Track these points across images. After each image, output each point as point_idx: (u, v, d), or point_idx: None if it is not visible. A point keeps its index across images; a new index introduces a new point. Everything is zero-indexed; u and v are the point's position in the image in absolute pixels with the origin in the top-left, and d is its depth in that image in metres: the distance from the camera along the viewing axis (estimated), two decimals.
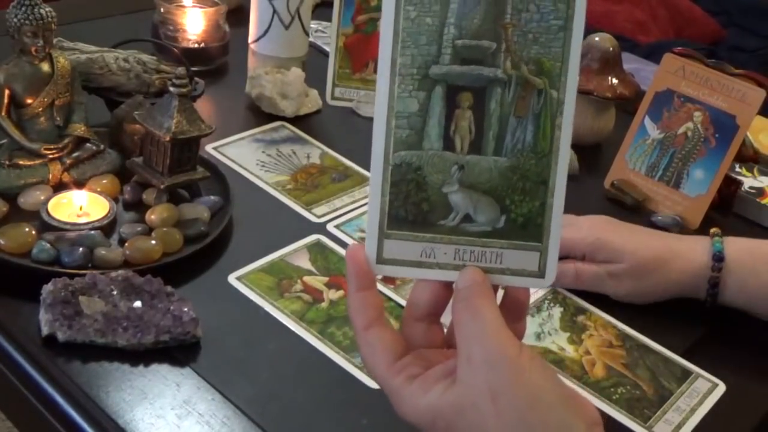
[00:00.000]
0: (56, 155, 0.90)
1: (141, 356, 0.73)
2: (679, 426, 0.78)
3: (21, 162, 0.89)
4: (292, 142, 1.10)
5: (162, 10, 1.23)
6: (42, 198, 0.87)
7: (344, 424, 0.72)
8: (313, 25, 1.35)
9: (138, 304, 0.76)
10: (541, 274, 0.53)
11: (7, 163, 0.89)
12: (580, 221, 0.92)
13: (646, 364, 0.84)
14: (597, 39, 1.17)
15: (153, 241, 0.83)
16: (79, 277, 0.77)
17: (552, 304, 0.89)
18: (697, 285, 0.88)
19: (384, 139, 0.52)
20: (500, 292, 0.55)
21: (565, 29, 0.51)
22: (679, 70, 1.08)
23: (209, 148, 1.04)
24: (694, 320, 0.90)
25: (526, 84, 0.52)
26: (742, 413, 0.81)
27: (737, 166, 1.17)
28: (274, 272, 0.86)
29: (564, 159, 0.52)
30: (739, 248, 0.88)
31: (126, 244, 0.82)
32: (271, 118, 1.13)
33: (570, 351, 0.84)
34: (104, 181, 0.91)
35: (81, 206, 0.86)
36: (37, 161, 0.89)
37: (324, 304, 0.84)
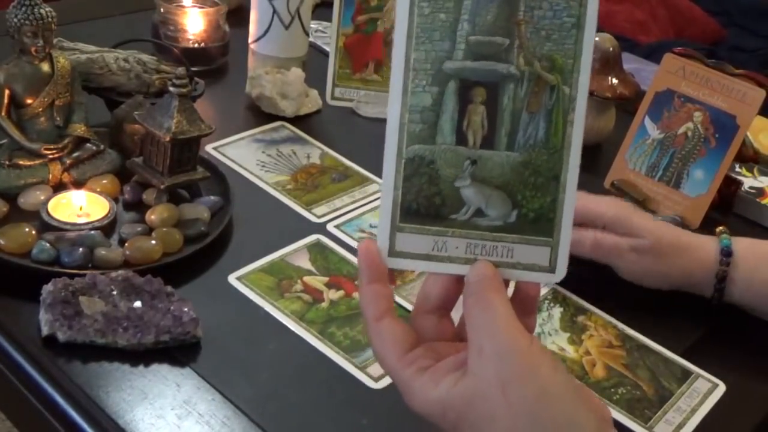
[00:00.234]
0: (56, 155, 0.90)
1: (141, 356, 0.73)
2: (680, 426, 0.78)
3: (21, 162, 0.89)
4: (292, 142, 1.10)
5: (162, 10, 1.23)
6: (42, 198, 0.87)
7: (344, 424, 0.72)
8: (313, 25, 1.35)
9: (138, 304, 0.76)
10: (552, 269, 0.53)
11: (7, 163, 0.89)
12: (600, 197, 0.93)
13: (647, 365, 0.84)
14: (597, 39, 1.17)
15: (153, 241, 0.83)
16: (79, 277, 0.77)
17: (552, 304, 0.89)
18: (706, 279, 0.89)
19: (397, 133, 0.52)
20: (511, 287, 0.55)
21: (578, 26, 0.52)
22: (679, 70, 1.08)
23: (209, 148, 1.04)
24: (694, 320, 0.90)
25: (539, 80, 0.52)
26: (742, 413, 0.81)
27: (737, 166, 1.17)
28: (274, 272, 0.86)
29: (576, 155, 0.52)
30: (745, 246, 0.89)
31: (126, 244, 0.82)
32: (271, 118, 1.13)
33: (570, 351, 0.84)
34: (104, 181, 0.91)
35: (81, 206, 0.86)
36: (37, 161, 0.89)
37: (324, 304, 0.83)
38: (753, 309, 0.89)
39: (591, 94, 1.14)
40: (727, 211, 1.12)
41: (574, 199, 0.53)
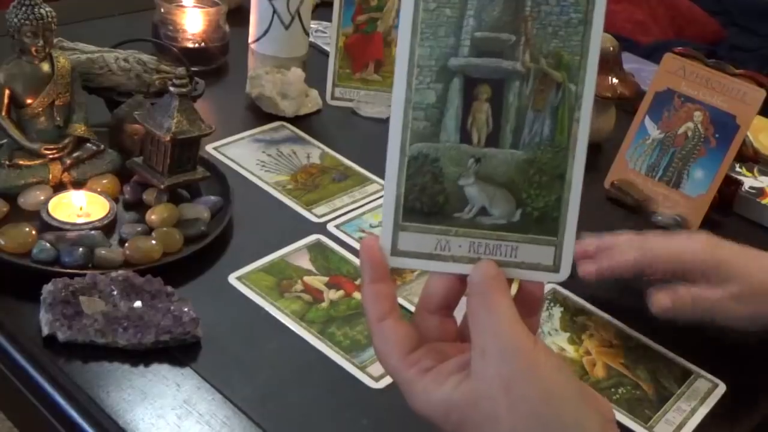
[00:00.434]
0: (56, 155, 0.90)
1: (141, 356, 0.73)
2: (680, 426, 0.78)
3: (21, 162, 0.89)
4: (293, 142, 1.10)
5: (162, 10, 1.23)
6: (42, 198, 0.87)
7: (344, 424, 0.72)
8: (313, 25, 1.35)
9: (138, 304, 0.76)
10: (556, 268, 0.53)
11: (7, 163, 0.89)
12: (684, 236, 0.85)
13: (646, 365, 0.84)
14: None
15: (153, 241, 0.83)
16: (79, 277, 0.77)
17: (552, 304, 0.89)
18: None
19: (401, 131, 0.52)
20: (514, 286, 0.55)
21: (585, 23, 0.51)
22: (679, 70, 1.08)
23: (209, 148, 1.04)
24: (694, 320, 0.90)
25: (545, 77, 0.52)
26: (742, 413, 0.81)
27: (737, 166, 1.17)
28: (274, 272, 0.86)
29: (581, 153, 0.52)
30: None
31: (126, 244, 0.82)
32: (271, 118, 1.13)
33: (570, 351, 0.84)
34: (104, 181, 0.91)
35: (81, 206, 0.86)
36: (37, 161, 0.89)
37: (324, 304, 0.83)
38: None
39: None
40: (727, 211, 1.12)
41: (579, 198, 0.52)
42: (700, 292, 0.81)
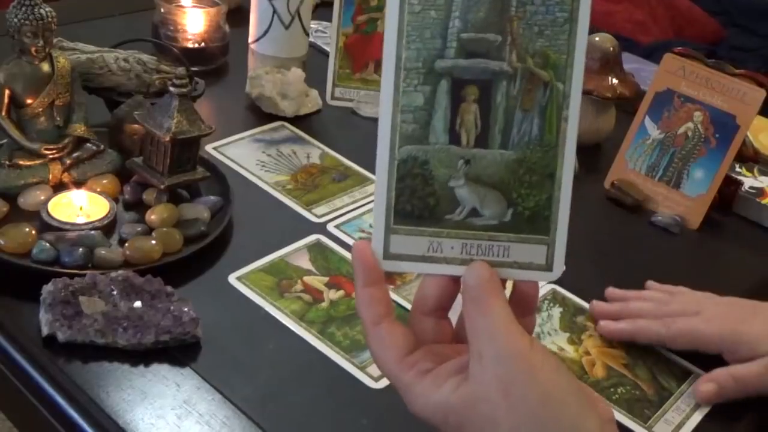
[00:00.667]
0: (56, 155, 0.90)
1: (141, 356, 0.73)
2: (680, 426, 0.78)
3: (21, 162, 0.89)
4: (292, 142, 1.10)
5: (162, 10, 1.23)
6: (42, 198, 0.87)
7: (344, 424, 0.72)
8: (313, 25, 1.35)
9: (138, 304, 0.76)
10: (548, 267, 0.53)
11: (7, 163, 0.89)
12: (704, 308, 0.85)
13: (646, 364, 0.84)
14: (597, 39, 1.17)
15: (153, 241, 0.83)
16: (79, 277, 0.77)
17: (552, 304, 0.89)
18: None
19: (390, 134, 0.52)
20: (508, 286, 0.55)
21: (571, 21, 0.51)
22: (679, 70, 1.08)
23: (209, 148, 1.04)
24: None
25: (532, 77, 0.52)
26: (742, 413, 0.81)
27: (737, 166, 1.17)
28: (274, 272, 0.86)
29: (570, 152, 0.52)
30: None
31: (126, 244, 0.82)
32: (271, 118, 1.13)
33: (570, 351, 0.84)
34: (104, 181, 0.91)
35: (81, 206, 0.86)
36: (37, 161, 0.89)
37: (324, 304, 0.84)
38: None
39: (591, 94, 1.14)
40: (727, 211, 1.12)
41: (569, 196, 0.52)
42: (739, 370, 0.81)
